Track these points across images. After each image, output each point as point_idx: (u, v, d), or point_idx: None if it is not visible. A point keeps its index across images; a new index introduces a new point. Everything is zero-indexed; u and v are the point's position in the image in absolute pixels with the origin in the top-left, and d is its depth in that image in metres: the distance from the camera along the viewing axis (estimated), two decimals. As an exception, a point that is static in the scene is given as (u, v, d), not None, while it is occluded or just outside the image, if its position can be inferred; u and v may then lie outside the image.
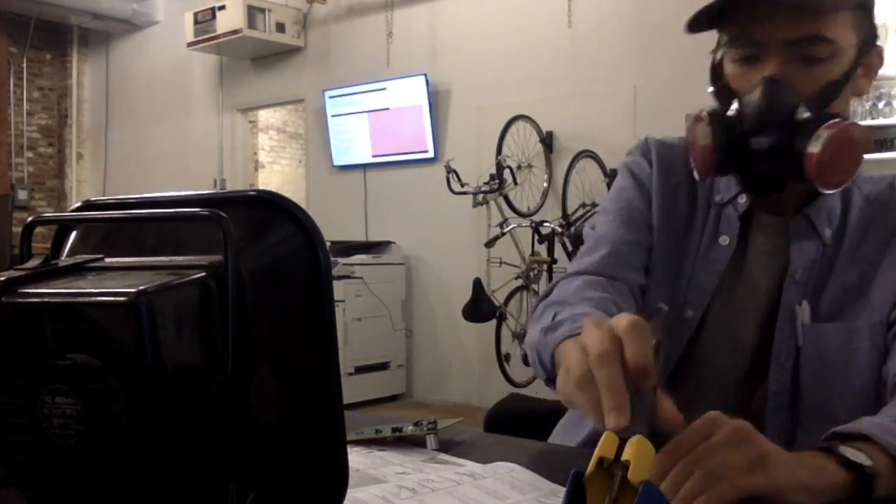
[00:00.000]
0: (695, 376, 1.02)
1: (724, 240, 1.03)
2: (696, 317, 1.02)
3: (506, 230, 4.64)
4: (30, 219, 0.60)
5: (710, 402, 0.86)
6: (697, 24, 0.96)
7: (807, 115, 0.90)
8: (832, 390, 0.98)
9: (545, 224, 4.66)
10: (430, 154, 5.55)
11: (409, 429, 0.94)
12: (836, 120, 0.90)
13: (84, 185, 8.01)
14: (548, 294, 1.03)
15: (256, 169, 8.54)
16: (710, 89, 1.02)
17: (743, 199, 1.04)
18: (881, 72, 3.78)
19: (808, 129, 0.89)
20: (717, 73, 1.01)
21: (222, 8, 6.08)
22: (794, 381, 0.98)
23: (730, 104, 0.96)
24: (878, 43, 0.99)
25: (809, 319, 0.98)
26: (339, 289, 4.95)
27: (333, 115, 6.05)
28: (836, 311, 1.00)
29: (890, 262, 1.00)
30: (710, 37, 1.03)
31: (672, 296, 1.03)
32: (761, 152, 0.91)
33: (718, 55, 1.00)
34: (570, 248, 4.48)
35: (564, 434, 1.13)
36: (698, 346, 1.03)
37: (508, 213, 4.77)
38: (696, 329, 1.02)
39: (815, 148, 0.88)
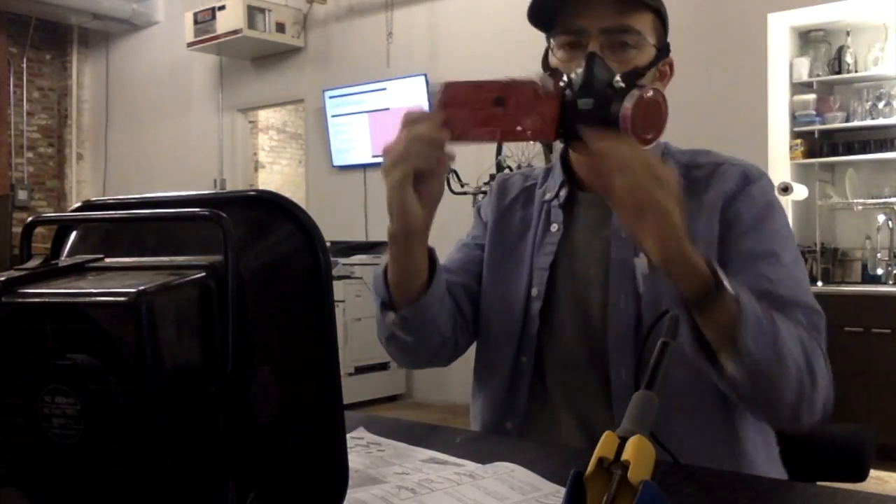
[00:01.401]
0: (553, 342, 1.18)
1: (554, 227, 1.22)
2: (541, 291, 1.19)
3: (506, 230, 4.63)
4: (30, 219, 0.60)
5: (567, 361, 1.16)
6: (534, 17, 1.16)
7: (622, 84, 1.07)
8: None
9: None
10: (430, 154, 5.54)
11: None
12: (645, 86, 1.07)
13: (84, 185, 8.00)
14: None
15: (256, 169, 8.54)
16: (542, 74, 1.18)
17: (564, 192, 1.22)
18: (881, 72, 3.81)
19: (623, 93, 1.06)
20: (546, 62, 1.20)
21: (222, 8, 6.07)
22: (636, 326, 1.11)
23: (559, 79, 1.11)
24: (672, 56, 1.19)
25: (647, 270, 1.12)
26: (339, 289, 4.95)
27: (333, 116, 6.05)
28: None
29: (698, 215, 1.13)
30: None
31: (514, 285, 1.21)
32: (586, 111, 1.05)
33: (549, 46, 1.19)
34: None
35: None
36: (551, 316, 1.18)
37: (508, 213, 4.77)
38: (545, 301, 1.18)
39: (629, 103, 1.03)
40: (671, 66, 1.20)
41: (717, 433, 1.10)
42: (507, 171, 4.78)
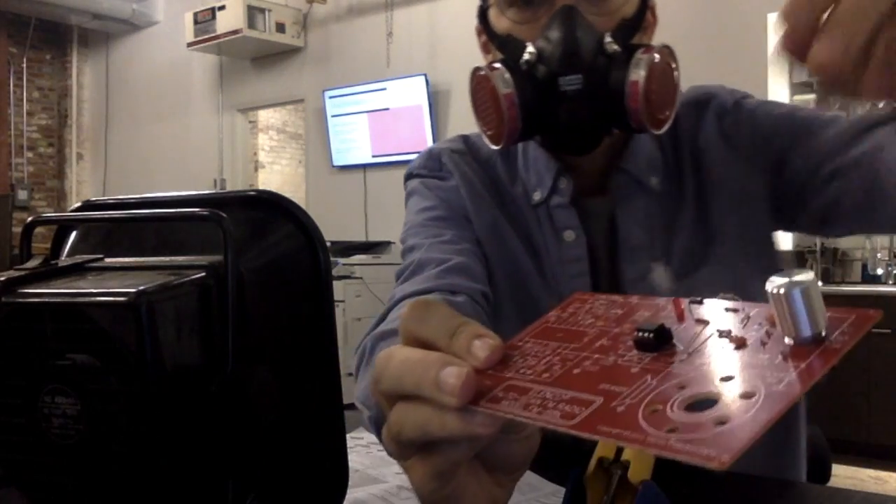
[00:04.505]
0: None
1: (569, 235, 0.89)
2: None
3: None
4: (30, 219, 0.60)
5: None
6: None
7: (616, 48, 0.77)
8: None
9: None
10: (430, 154, 5.54)
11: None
12: (649, 46, 0.79)
13: (84, 185, 8.00)
14: (380, 321, 0.82)
15: (256, 169, 8.54)
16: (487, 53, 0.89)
17: (564, 184, 0.89)
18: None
19: (621, 59, 0.77)
20: (487, 28, 0.89)
21: (222, 8, 6.08)
22: None
23: (520, 51, 0.80)
24: None
25: (669, 283, 0.86)
26: (339, 289, 4.95)
27: (333, 116, 6.05)
28: (689, 262, 0.88)
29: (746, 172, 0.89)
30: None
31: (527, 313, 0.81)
32: (575, 93, 0.76)
33: (488, 3, 0.88)
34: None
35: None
36: None
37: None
38: None
39: (636, 76, 0.75)
40: (653, 10, 0.88)
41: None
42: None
